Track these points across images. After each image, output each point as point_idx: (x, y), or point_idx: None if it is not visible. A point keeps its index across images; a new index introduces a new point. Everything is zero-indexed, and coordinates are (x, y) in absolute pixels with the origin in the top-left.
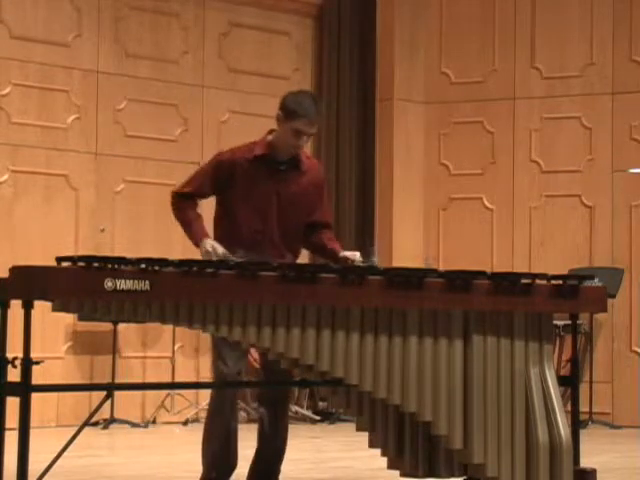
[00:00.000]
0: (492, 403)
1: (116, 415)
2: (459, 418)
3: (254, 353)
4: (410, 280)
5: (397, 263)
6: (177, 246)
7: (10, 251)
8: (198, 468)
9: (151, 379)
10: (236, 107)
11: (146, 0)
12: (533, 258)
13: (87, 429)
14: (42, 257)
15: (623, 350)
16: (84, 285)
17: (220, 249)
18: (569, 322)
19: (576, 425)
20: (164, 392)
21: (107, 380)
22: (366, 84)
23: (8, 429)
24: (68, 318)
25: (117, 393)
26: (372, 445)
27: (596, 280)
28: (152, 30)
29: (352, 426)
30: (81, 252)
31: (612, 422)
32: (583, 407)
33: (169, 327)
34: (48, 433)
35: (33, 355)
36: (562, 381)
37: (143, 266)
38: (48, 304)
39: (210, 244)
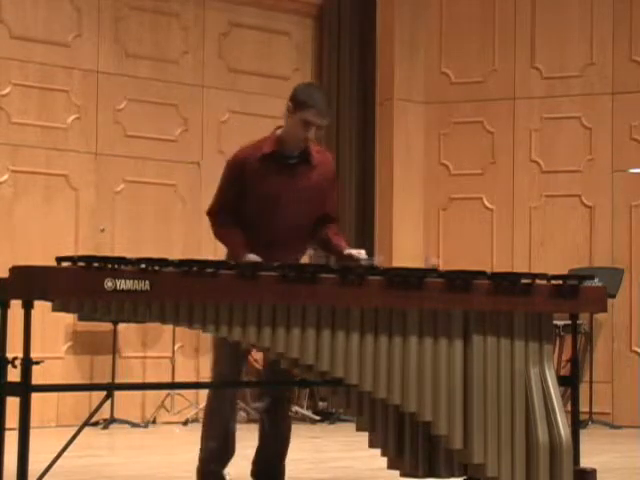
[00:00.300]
0: (492, 403)
1: (116, 415)
2: (459, 418)
3: (255, 353)
4: (410, 280)
5: (397, 263)
6: (177, 246)
7: (10, 251)
8: None
9: (151, 379)
10: (236, 107)
11: (146, 0)
12: (533, 258)
13: (87, 429)
14: (42, 257)
15: (623, 350)
16: (84, 285)
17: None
18: (569, 322)
19: (576, 425)
20: (164, 392)
21: (107, 380)
22: (366, 84)
23: (8, 429)
24: (68, 318)
25: (117, 393)
26: (372, 445)
27: (596, 280)
28: (152, 30)
29: (352, 426)
30: (81, 252)
31: (612, 422)
32: (583, 407)
33: (169, 327)
34: (48, 433)
35: (33, 355)
36: (562, 381)
37: (143, 266)
38: (48, 304)
39: (253, 259)
